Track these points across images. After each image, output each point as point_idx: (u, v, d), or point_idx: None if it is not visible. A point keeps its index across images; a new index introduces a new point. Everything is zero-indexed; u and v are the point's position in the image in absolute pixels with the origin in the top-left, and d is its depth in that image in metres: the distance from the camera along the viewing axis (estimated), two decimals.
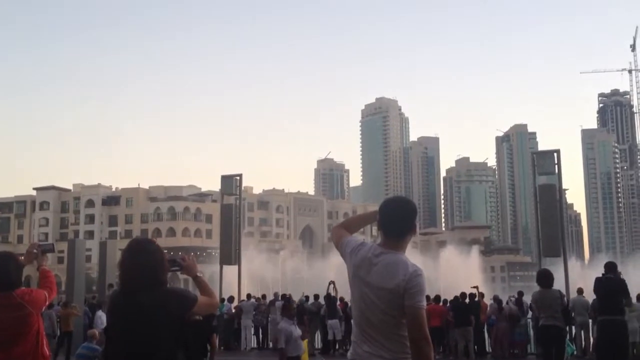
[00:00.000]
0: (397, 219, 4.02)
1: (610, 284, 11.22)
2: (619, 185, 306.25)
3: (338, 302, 22.15)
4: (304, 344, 10.93)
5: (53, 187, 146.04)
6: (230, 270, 26.30)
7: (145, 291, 3.98)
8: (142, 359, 3.92)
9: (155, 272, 4.05)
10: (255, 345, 23.61)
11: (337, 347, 21.59)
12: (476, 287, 20.72)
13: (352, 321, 4.11)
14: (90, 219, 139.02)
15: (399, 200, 4.18)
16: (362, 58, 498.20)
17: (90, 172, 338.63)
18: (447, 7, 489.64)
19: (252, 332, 23.73)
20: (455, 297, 20.87)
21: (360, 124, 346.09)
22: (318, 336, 22.18)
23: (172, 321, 4.00)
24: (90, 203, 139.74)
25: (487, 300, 21.91)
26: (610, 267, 11.51)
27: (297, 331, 10.91)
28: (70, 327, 19.76)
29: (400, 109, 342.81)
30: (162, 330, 3.92)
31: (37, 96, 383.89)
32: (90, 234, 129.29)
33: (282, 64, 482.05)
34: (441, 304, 20.70)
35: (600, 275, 11.50)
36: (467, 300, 19.66)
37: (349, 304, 23.50)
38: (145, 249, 4.14)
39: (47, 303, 5.48)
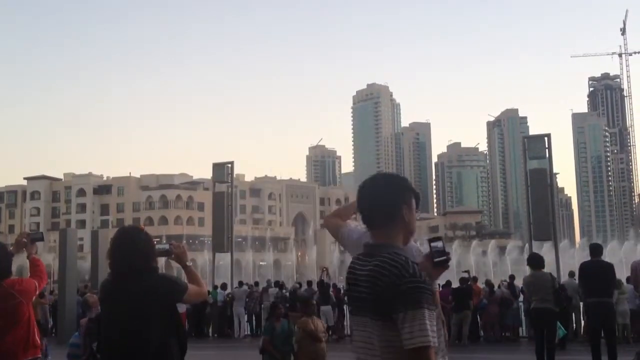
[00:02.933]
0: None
1: (598, 267, 11.23)
2: (609, 168, 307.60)
3: (331, 289, 22.21)
4: None
5: (44, 177, 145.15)
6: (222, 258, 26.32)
7: (137, 278, 3.98)
8: (135, 346, 3.92)
9: (145, 259, 4.06)
10: (248, 332, 23.67)
11: (330, 333, 21.66)
12: (467, 272, 20.82)
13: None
14: (82, 208, 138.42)
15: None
16: (354, 44, 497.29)
17: (81, 161, 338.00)
18: None
19: (246, 319, 23.76)
20: (448, 281, 20.96)
21: (351, 110, 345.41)
22: None
23: (164, 308, 4.00)
24: (81, 192, 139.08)
25: (479, 285, 22.02)
26: (596, 250, 11.51)
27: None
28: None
29: (391, 95, 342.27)
30: (154, 317, 3.92)
31: (27, 85, 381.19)
32: (82, 223, 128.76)
33: (273, 51, 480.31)
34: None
35: (588, 260, 11.52)
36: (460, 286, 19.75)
37: (342, 290, 23.59)
38: (134, 236, 4.15)
39: (38, 292, 5.46)
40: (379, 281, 2.63)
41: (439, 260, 3.14)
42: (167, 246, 4.37)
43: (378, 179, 3.05)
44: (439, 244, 3.18)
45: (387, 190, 2.95)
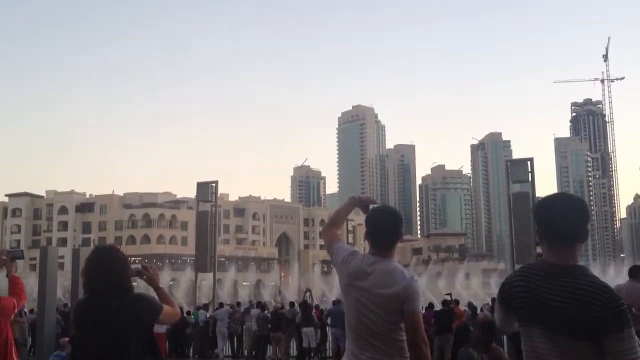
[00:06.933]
0: (387, 230, 4.12)
1: None
2: (591, 193, 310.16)
3: (314, 310, 22.12)
4: None
5: (26, 194, 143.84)
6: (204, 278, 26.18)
7: (113, 298, 3.95)
8: None
9: (121, 278, 4.02)
10: (230, 354, 23.46)
11: (312, 354, 21.56)
12: (449, 295, 20.83)
13: (346, 329, 4.12)
14: (64, 226, 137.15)
15: (386, 211, 4.25)
16: (340, 66, 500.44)
17: (64, 178, 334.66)
18: (423, 18, 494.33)
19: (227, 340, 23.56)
20: (430, 304, 20.96)
21: (337, 131, 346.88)
22: (294, 344, 22.12)
23: (141, 327, 3.97)
24: (63, 210, 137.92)
25: (462, 307, 22.04)
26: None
27: None
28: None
29: (377, 117, 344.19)
30: (131, 337, 3.90)
31: (10, 102, 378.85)
32: (63, 242, 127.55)
33: (259, 71, 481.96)
34: None
35: None
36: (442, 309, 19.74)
37: (325, 312, 23.46)
38: (108, 256, 4.11)
39: (17, 311, 5.40)
40: (593, 303, 2.84)
41: None
42: (139, 267, 4.35)
43: (567, 199, 3.13)
44: None
45: (578, 211, 3.06)
